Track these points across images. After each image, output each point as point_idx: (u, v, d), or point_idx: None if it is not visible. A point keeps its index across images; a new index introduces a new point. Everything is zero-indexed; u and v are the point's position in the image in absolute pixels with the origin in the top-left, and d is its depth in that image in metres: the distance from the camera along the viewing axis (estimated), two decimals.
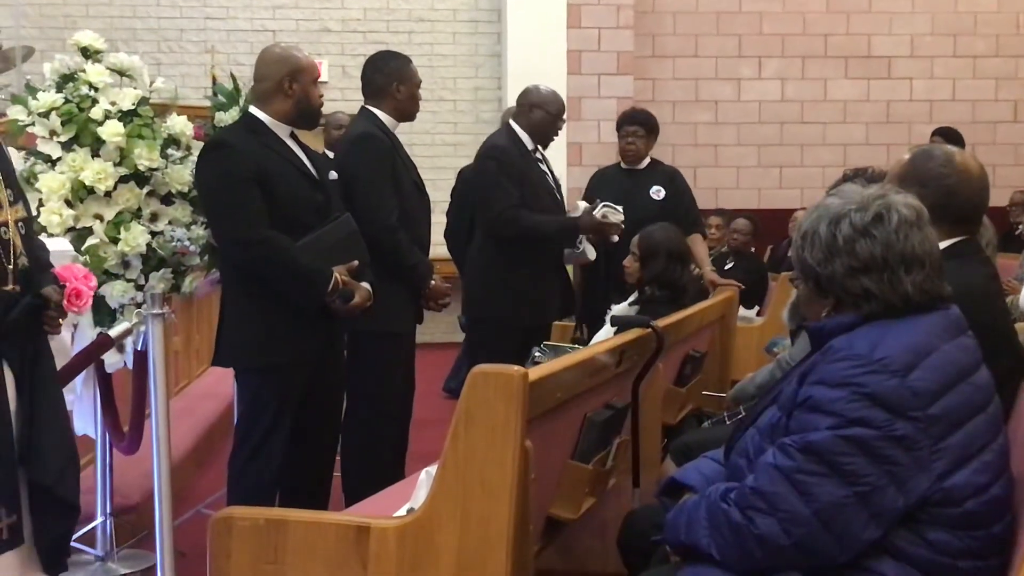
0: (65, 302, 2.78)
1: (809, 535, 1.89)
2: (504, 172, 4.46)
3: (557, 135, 4.70)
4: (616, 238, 4.67)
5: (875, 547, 1.91)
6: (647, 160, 5.20)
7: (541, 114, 4.58)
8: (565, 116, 4.72)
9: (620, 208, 4.64)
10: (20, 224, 2.70)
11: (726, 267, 6.76)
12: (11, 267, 2.63)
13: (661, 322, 3.17)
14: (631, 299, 4.21)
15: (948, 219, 2.40)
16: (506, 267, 4.50)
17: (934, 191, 2.39)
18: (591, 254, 4.65)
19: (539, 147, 4.64)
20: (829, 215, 2.03)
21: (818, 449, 1.88)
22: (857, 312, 2.00)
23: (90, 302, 2.98)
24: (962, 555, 1.93)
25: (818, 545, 1.89)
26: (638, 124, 5.15)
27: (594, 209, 4.59)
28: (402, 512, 2.32)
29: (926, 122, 9.21)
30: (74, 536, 3.67)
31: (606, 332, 3.96)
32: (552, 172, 4.75)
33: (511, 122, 4.69)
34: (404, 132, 4.19)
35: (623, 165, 5.22)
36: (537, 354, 3.64)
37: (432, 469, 2.21)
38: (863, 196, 2.04)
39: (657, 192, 5.08)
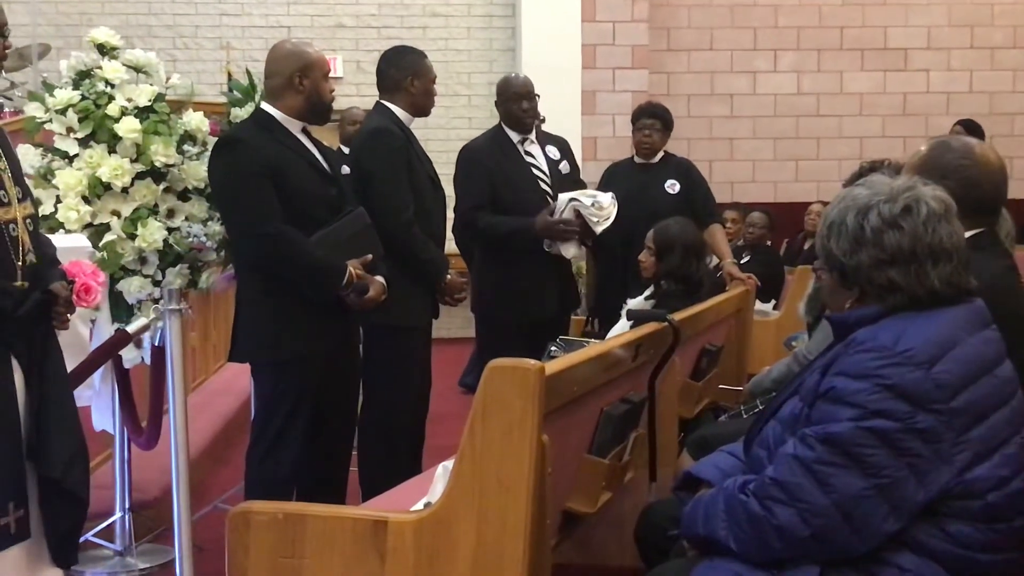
0: (74, 297, 2.80)
1: (828, 526, 1.88)
2: (466, 173, 4.51)
3: (530, 116, 4.59)
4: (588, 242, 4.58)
5: (895, 539, 1.90)
6: (660, 154, 5.18)
7: (503, 103, 4.58)
8: (538, 94, 4.60)
9: (601, 200, 4.50)
10: (28, 221, 2.72)
11: (742, 261, 6.73)
12: (19, 263, 2.65)
13: (677, 316, 3.16)
14: (647, 293, 4.19)
15: (967, 211, 2.38)
16: (501, 266, 4.50)
17: (953, 183, 2.37)
18: (568, 252, 4.58)
19: (532, 138, 4.60)
20: (857, 206, 2.02)
21: (839, 440, 1.87)
22: (881, 304, 1.99)
23: (99, 296, 2.99)
24: (983, 548, 1.92)
25: (837, 536, 1.89)
26: (655, 118, 5.13)
27: (564, 207, 4.45)
28: (419, 506, 2.32)
29: (943, 114, 9.17)
30: (93, 531, 3.72)
31: (622, 326, 3.95)
32: (554, 162, 4.68)
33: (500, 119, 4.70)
34: (419, 127, 4.19)
35: (637, 159, 5.20)
36: (553, 348, 3.63)
37: (449, 463, 2.22)
38: (891, 187, 2.03)
39: (672, 186, 5.05)
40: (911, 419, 1.85)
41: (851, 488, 1.86)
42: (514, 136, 4.57)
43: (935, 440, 1.86)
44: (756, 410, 3.60)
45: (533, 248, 4.46)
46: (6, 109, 6.52)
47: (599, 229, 4.50)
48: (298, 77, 3.44)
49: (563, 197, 4.52)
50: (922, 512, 1.90)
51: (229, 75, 7.46)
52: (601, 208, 4.47)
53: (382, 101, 4.11)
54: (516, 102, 4.55)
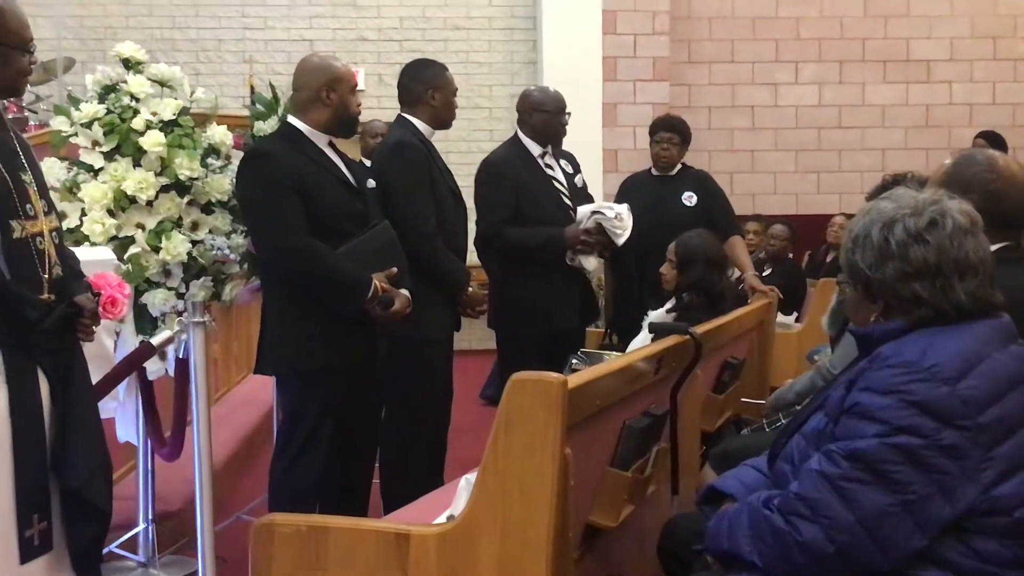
0: (100, 310, 2.82)
1: (853, 543, 1.87)
2: (491, 187, 4.48)
3: (564, 133, 4.64)
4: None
5: (920, 556, 1.89)
6: (678, 166, 5.18)
7: (540, 116, 4.56)
8: (569, 110, 4.66)
9: (617, 213, 4.52)
10: (54, 234, 2.75)
11: (764, 273, 6.70)
12: (46, 276, 2.67)
13: (699, 329, 3.15)
14: (668, 306, 4.18)
15: (992, 224, 2.37)
16: (521, 279, 4.49)
17: (978, 196, 2.36)
18: (589, 264, 4.58)
19: (549, 151, 4.61)
20: (882, 219, 2.01)
21: (864, 456, 1.86)
22: (906, 318, 1.98)
23: (125, 309, 3.01)
24: (1010, 565, 1.90)
25: (862, 553, 1.88)
26: (673, 131, 5.13)
27: (586, 220, 4.49)
28: (442, 519, 2.33)
29: (966, 126, 9.11)
30: (116, 542, 3.73)
31: (643, 339, 3.95)
32: (569, 175, 4.70)
33: (517, 130, 4.67)
34: (440, 139, 4.20)
35: (654, 172, 5.20)
36: (574, 361, 3.63)
37: (472, 476, 2.22)
38: (917, 201, 2.02)
39: (689, 198, 5.05)
40: (937, 435, 1.84)
41: (876, 504, 1.85)
42: (534, 149, 4.57)
43: (961, 456, 1.85)
44: (779, 424, 3.59)
45: (556, 260, 4.47)
46: (31, 122, 6.57)
47: (620, 241, 4.50)
48: (325, 91, 3.46)
49: (584, 209, 4.53)
50: (949, 528, 1.89)
51: (252, 88, 7.51)
52: (622, 220, 4.48)
53: (403, 114, 4.13)
54: (557, 119, 4.56)
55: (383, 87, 8.63)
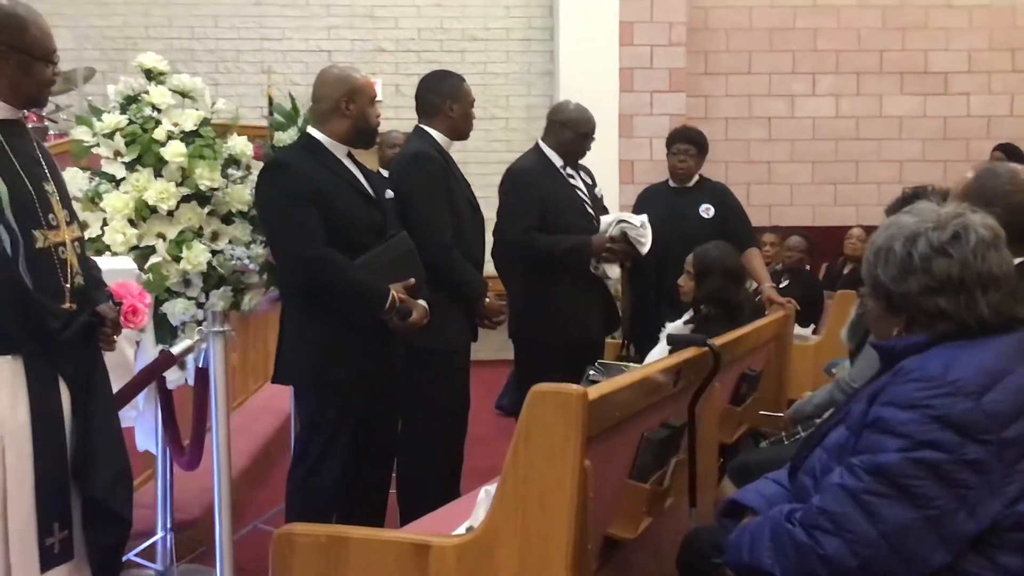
0: (122, 319, 2.83)
1: (876, 557, 1.87)
2: (519, 195, 4.50)
3: (584, 155, 4.70)
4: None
5: (943, 571, 1.88)
6: (695, 178, 5.18)
7: (570, 133, 4.60)
8: (595, 136, 4.71)
9: (641, 222, 4.54)
10: (76, 243, 2.76)
11: (781, 285, 6.69)
12: (68, 286, 2.68)
13: (717, 340, 3.15)
14: (686, 317, 4.18)
15: (1014, 238, 2.36)
16: (543, 288, 4.50)
17: (1000, 209, 2.36)
18: (612, 273, 4.59)
19: (570, 164, 4.64)
20: (905, 233, 2.01)
21: (887, 471, 1.86)
22: (929, 332, 1.98)
23: (146, 318, 3.03)
24: None
25: (885, 568, 1.87)
26: (689, 143, 5.13)
27: (610, 228, 4.52)
28: (461, 530, 2.33)
29: (984, 138, 9.08)
30: (134, 551, 3.74)
31: (661, 350, 3.94)
32: (589, 187, 4.73)
33: (539, 141, 4.69)
34: (457, 150, 4.22)
35: (672, 183, 5.20)
36: (591, 373, 3.63)
37: (491, 487, 2.22)
38: (940, 215, 2.02)
39: (706, 211, 5.06)
40: (961, 450, 1.84)
41: (899, 519, 1.85)
42: (556, 161, 4.59)
43: (985, 471, 1.85)
44: (797, 437, 3.58)
45: (579, 269, 4.48)
46: (51, 131, 6.61)
47: (644, 250, 4.53)
48: (345, 102, 3.48)
49: (608, 218, 4.55)
50: (972, 543, 1.88)
51: (270, 99, 7.53)
52: (645, 229, 4.51)
53: (421, 125, 4.15)
54: (584, 142, 4.61)
55: (400, 98, 8.65)
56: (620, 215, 4.57)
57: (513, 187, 4.55)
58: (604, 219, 4.56)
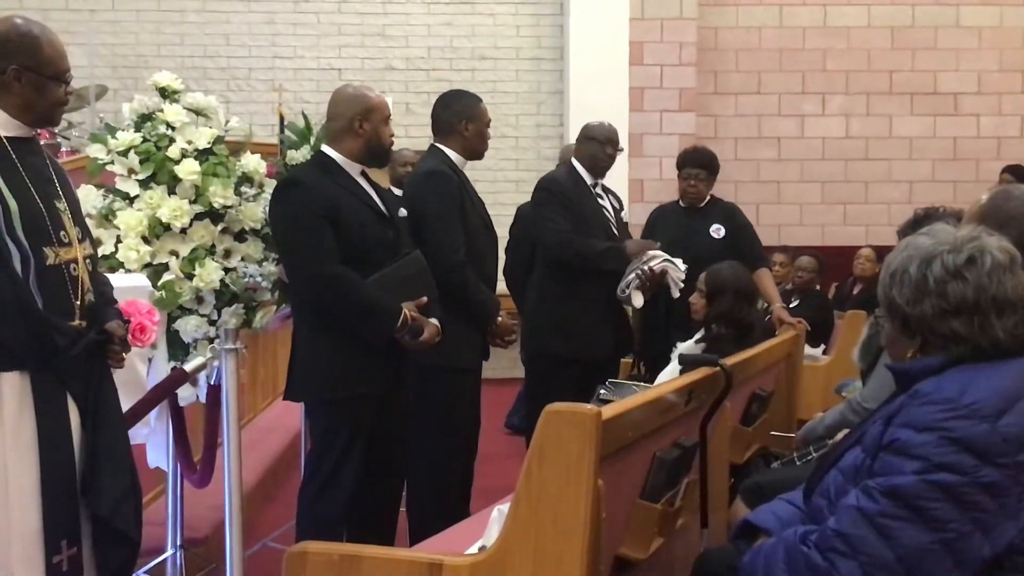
0: (129, 337, 2.83)
1: None
2: (555, 202, 4.57)
3: (610, 165, 4.75)
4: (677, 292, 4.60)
5: None
6: (707, 198, 5.19)
7: (590, 144, 4.68)
8: (621, 147, 4.79)
9: (684, 270, 4.57)
10: (88, 260, 2.77)
11: (791, 305, 6.68)
12: (78, 303, 2.69)
13: (729, 360, 3.15)
14: (697, 337, 4.18)
15: None
16: (560, 303, 4.53)
17: (1015, 231, 2.36)
18: (637, 301, 4.60)
19: (600, 181, 4.70)
20: (920, 255, 2.01)
21: (903, 493, 1.86)
22: (944, 354, 1.98)
23: (154, 336, 3.02)
24: None
25: None
26: (700, 167, 5.13)
27: (654, 260, 4.51)
28: (474, 549, 2.32)
29: (993, 159, 9.08)
30: (145, 568, 3.74)
31: (672, 370, 3.94)
32: (616, 210, 4.77)
33: (572, 158, 4.77)
34: (466, 168, 4.23)
35: (682, 203, 5.22)
36: (602, 391, 3.63)
37: (504, 507, 2.21)
38: (955, 237, 2.02)
39: (717, 231, 5.07)
40: (977, 473, 1.83)
41: (915, 542, 1.84)
42: (587, 178, 4.64)
43: (1001, 494, 1.84)
44: (809, 457, 3.57)
45: (599, 290, 4.50)
46: (63, 148, 6.65)
47: (675, 294, 4.55)
48: (359, 121, 3.50)
49: (657, 253, 4.53)
50: (988, 567, 1.87)
51: (281, 117, 7.56)
52: (682, 276, 4.51)
53: (436, 144, 4.16)
54: (603, 149, 4.67)
55: (410, 116, 8.69)
56: (668, 256, 4.59)
57: (545, 197, 4.64)
58: (651, 252, 4.56)
